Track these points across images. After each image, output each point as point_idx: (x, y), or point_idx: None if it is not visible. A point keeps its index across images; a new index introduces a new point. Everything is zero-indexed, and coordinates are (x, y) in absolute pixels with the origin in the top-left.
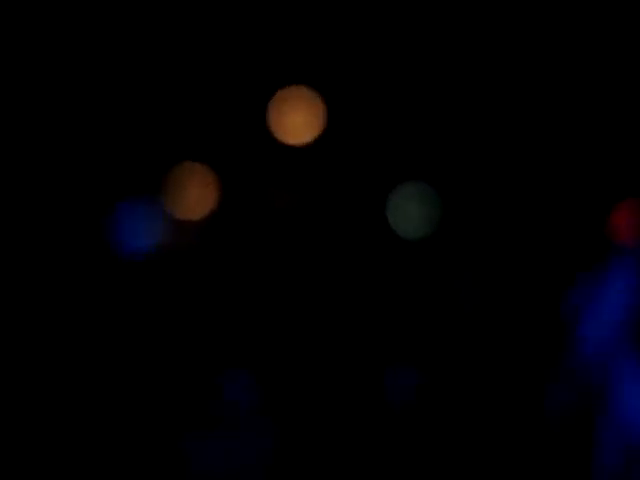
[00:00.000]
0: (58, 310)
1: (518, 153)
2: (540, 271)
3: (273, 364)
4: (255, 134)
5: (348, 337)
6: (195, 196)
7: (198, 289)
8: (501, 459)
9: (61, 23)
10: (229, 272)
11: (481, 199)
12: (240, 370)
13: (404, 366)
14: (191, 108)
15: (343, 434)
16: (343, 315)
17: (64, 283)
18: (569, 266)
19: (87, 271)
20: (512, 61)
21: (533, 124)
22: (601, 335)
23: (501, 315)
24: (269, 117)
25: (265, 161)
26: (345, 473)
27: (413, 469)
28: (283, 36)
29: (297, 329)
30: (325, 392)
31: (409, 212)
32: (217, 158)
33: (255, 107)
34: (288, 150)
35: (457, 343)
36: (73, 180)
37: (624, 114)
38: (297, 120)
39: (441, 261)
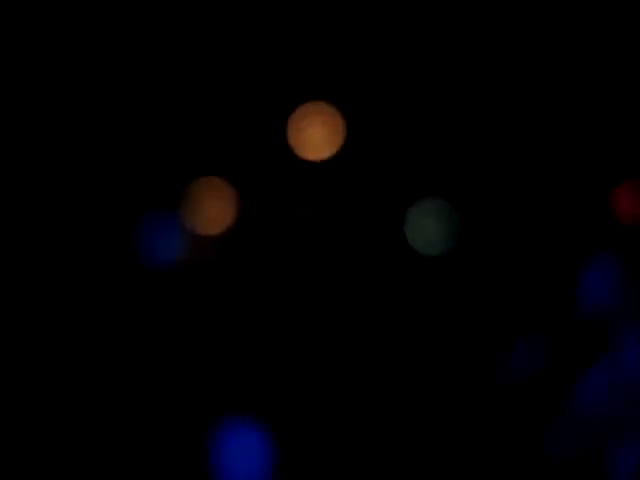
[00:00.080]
0: (76, 322)
1: (535, 170)
2: (554, 283)
3: (288, 379)
4: (274, 149)
5: (365, 353)
6: (214, 211)
7: (216, 303)
8: (501, 459)
9: (82, 33)
10: (247, 287)
11: (500, 215)
12: (251, 392)
13: (413, 379)
14: (211, 123)
15: (344, 435)
16: (361, 329)
17: (83, 296)
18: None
19: (106, 284)
20: (533, 83)
21: (550, 142)
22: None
23: (514, 324)
24: (288, 132)
25: (284, 176)
26: (345, 473)
27: (413, 469)
28: (302, 52)
29: (315, 343)
30: (340, 408)
31: (427, 228)
32: (236, 173)
33: (274, 122)
34: (307, 166)
35: (469, 359)
36: (92, 194)
37: (624, 111)
38: (316, 136)
39: (459, 277)
